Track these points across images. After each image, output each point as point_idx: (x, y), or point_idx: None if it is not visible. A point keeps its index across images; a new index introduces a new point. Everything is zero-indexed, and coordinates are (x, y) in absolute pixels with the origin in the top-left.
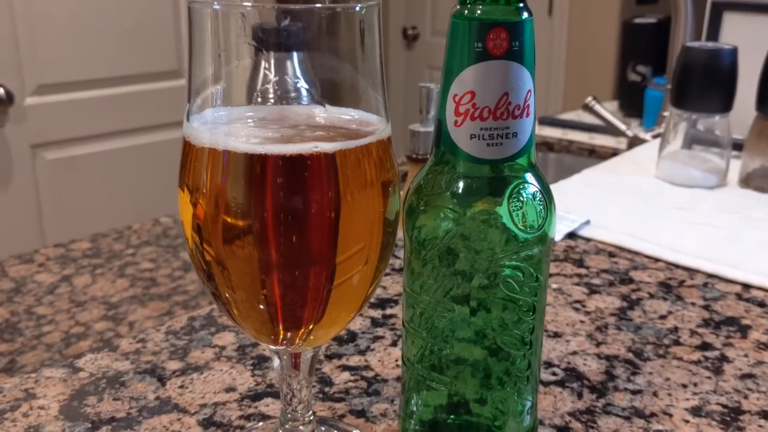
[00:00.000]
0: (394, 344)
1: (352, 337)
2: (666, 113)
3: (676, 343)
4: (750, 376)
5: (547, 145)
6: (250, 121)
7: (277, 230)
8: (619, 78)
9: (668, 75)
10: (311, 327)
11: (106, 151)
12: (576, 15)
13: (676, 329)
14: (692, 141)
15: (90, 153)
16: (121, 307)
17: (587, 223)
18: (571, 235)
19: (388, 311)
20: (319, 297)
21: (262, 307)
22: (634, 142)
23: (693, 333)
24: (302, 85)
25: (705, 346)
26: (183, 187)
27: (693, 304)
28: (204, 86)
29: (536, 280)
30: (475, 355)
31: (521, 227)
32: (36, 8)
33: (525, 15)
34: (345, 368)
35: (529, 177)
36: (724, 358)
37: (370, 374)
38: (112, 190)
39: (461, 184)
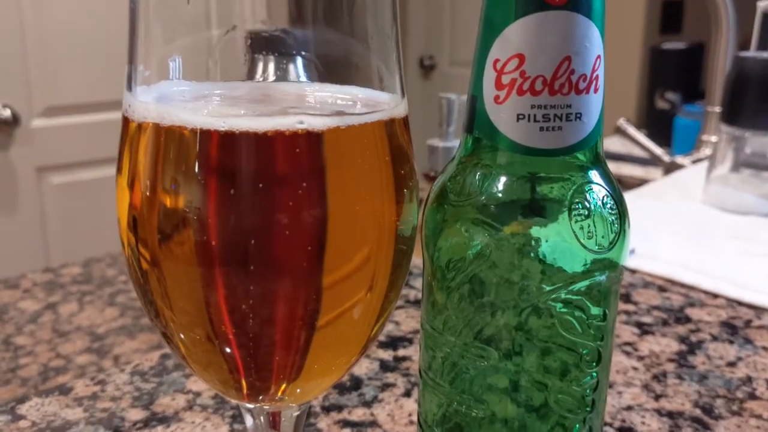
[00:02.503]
0: (407, 394)
1: (355, 384)
2: (705, 137)
3: (752, 396)
4: None
5: None
6: (218, 99)
7: (235, 237)
8: (646, 105)
9: (707, 99)
10: (291, 379)
11: (114, 176)
12: None
13: (749, 379)
14: (742, 164)
15: (97, 178)
16: (107, 338)
17: (632, 252)
18: None
19: (401, 352)
20: (300, 336)
21: (227, 349)
22: (671, 168)
23: None
24: (298, 60)
25: None
26: (117, 178)
27: (765, 348)
28: (156, 49)
29: (603, 319)
30: (516, 417)
31: (586, 245)
32: (46, 30)
33: None
34: (346, 424)
35: (596, 176)
36: None
37: None
38: None
39: (502, 185)
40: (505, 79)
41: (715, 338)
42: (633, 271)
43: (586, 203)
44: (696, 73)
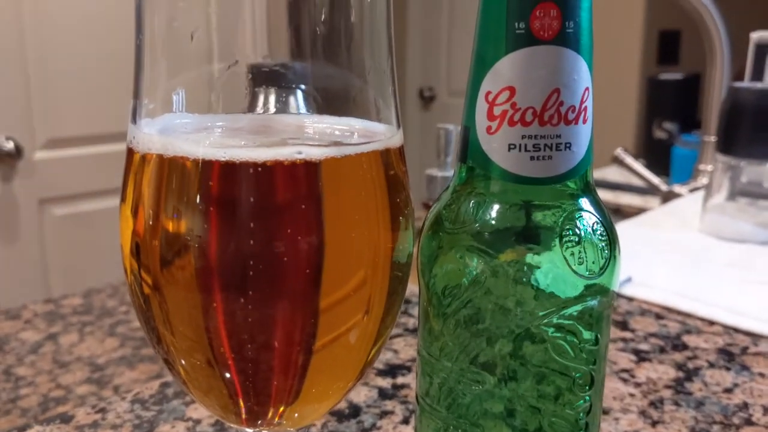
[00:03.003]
0: (405, 421)
1: (354, 411)
2: (702, 166)
3: (748, 422)
4: None
5: None
6: (220, 130)
7: (235, 264)
8: (643, 135)
9: (703, 129)
10: (289, 403)
11: (115, 207)
12: (594, 73)
13: (746, 405)
14: (738, 192)
15: (99, 209)
16: (107, 368)
17: (629, 280)
18: None
19: (400, 380)
20: (298, 360)
21: (227, 374)
22: (669, 197)
23: (767, 410)
24: (297, 93)
25: None
26: (121, 208)
27: (762, 375)
28: (161, 83)
29: (595, 343)
30: None
31: (577, 271)
32: (49, 63)
33: None
34: None
35: (587, 204)
36: None
37: None
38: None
39: (495, 213)
40: (497, 111)
41: (711, 365)
42: (630, 299)
43: (577, 230)
44: (693, 103)
